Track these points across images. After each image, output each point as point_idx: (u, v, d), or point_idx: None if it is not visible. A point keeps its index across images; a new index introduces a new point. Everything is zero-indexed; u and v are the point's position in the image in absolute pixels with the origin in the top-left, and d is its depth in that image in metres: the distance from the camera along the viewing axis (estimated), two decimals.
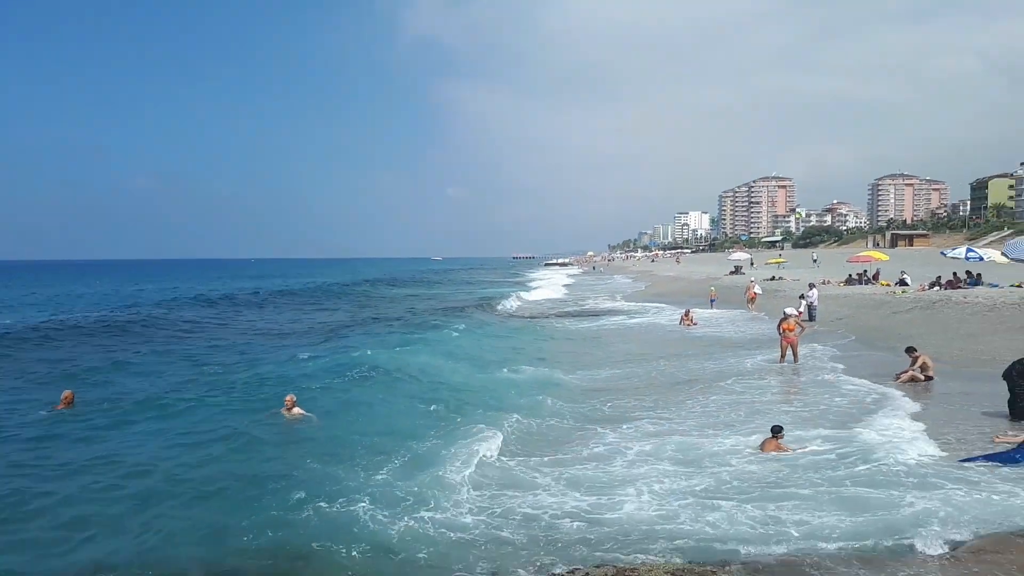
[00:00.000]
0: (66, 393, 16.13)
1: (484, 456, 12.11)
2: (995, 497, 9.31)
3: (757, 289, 39.59)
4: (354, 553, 8.43)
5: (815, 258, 78.77)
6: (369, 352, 24.10)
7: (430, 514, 9.58)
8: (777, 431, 12.34)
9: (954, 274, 35.67)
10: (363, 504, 9.84)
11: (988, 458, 11.13)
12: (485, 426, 13.97)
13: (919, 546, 8.01)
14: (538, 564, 8.13)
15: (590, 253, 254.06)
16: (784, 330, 21.33)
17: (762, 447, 12.26)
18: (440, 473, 11.15)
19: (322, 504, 9.86)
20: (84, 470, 11.63)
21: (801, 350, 21.49)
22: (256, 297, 63.09)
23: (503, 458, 12.34)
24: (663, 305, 44.85)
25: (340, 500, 10.03)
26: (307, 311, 49.93)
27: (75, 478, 11.24)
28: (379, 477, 11.10)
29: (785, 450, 12.09)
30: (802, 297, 32.04)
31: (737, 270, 67.64)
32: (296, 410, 15.12)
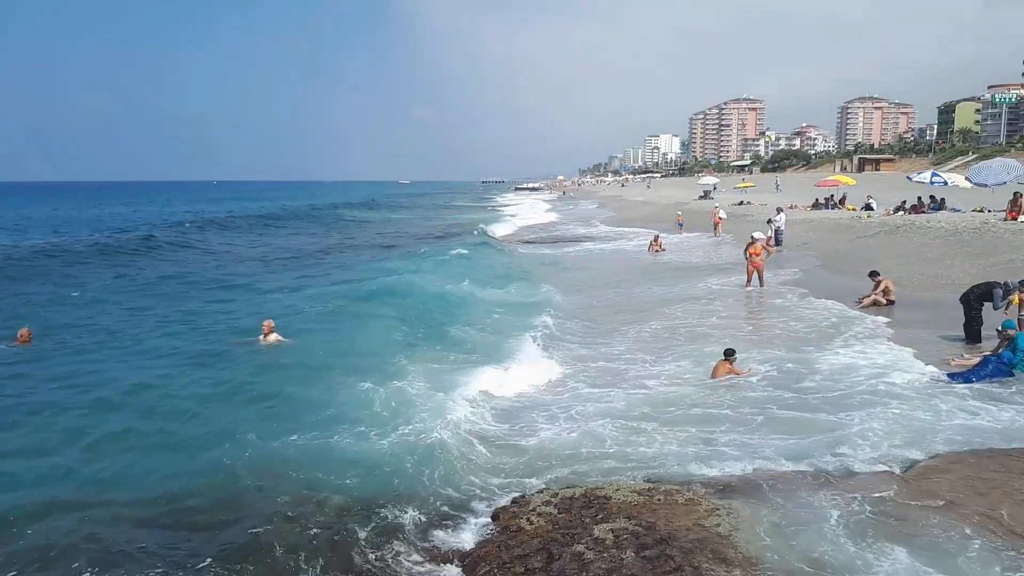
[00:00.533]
0: (22, 331, 15.52)
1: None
2: (942, 417, 9.68)
3: (722, 214, 39.93)
4: (330, 475, 8.59)
5: (778, 184, 79.24)
6: (362, 278, 24.02)
7: (391, 437, 9.78)
8: (729, 354, 12.49)
9: (919, 199, 36.11)
10: (342, 427, 10.03)
11: (950, 376, 11.52)
12: (438, 346, 14.85)
13: (868, 467, 8.33)
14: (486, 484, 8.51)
15: (560, 177, 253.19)
16: (750, 254, 21.54)
17: (714, 371, 12.48)
18: (410, 396, 11.40)
19: (300, 427, 10.00)
20: (46, 405, 11.40)
21: (766, 274, 21.77)
22: (231, 221, 61.94)
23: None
24: (636, 230, 45.16)
25: (317, 423, 10.17)
26: (284, 236, 49.49)
27: (39, 415, 11.01)
28: (354, 399, 11.22)
29: (738, 373, 12.34)
30: (770, 222, 32.30)
31: (706, 195, 67.82)
32: (273, 336, 14.86)
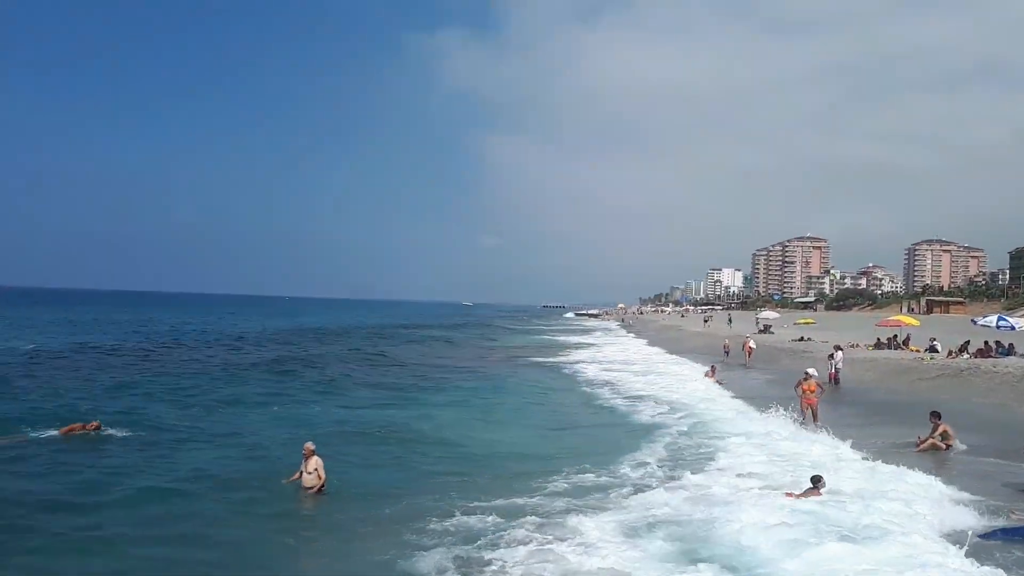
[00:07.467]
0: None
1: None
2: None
3: (752, 344, 42.71)
4: None
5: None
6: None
7: None
8: (816, 480, 12.42)
9: (985, 342, 34.95)
10: None
11: (1006, 532, 10.76)
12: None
13: None
14: None
15: (620, 305, 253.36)
16: (804, 391, 20.99)
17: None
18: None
19: None
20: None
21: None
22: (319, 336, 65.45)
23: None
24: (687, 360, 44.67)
25: None
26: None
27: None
28: None
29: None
30: (831, 358, 31.43)
31: (766, 329, 66.80)
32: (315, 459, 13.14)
